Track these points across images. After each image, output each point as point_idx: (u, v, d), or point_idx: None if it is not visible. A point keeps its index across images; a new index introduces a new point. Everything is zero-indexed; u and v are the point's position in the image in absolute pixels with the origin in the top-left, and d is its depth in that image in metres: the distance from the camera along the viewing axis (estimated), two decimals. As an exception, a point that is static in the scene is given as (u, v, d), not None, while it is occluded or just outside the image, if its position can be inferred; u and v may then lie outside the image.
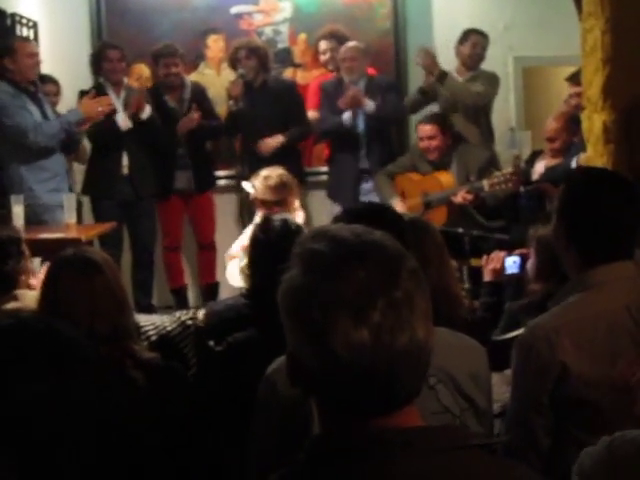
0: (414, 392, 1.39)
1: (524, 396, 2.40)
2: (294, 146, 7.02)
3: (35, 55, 6.19)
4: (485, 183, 5.78)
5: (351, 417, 1.38)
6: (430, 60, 6.56)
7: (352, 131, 6.71)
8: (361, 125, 6.72)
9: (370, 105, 6.60)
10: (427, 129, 6.19)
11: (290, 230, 3.38)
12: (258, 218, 4.72)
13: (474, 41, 6.73)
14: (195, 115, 6.79)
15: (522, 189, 5.85)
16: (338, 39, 7.09)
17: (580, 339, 2.34)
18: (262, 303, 3.16)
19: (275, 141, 6.76)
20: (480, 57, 6.75)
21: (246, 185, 5.34)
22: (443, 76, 6.48)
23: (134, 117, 6.66)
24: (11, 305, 3.40)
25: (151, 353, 2.74)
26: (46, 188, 6.06)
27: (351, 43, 6.85)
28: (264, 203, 5.09)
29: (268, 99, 6.81)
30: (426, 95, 6.76)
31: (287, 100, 6.88)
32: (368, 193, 6.70)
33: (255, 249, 3.36)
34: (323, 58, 7.22)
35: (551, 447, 2.37)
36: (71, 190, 6.42)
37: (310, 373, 1.38)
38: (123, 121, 6.63)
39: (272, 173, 5.17)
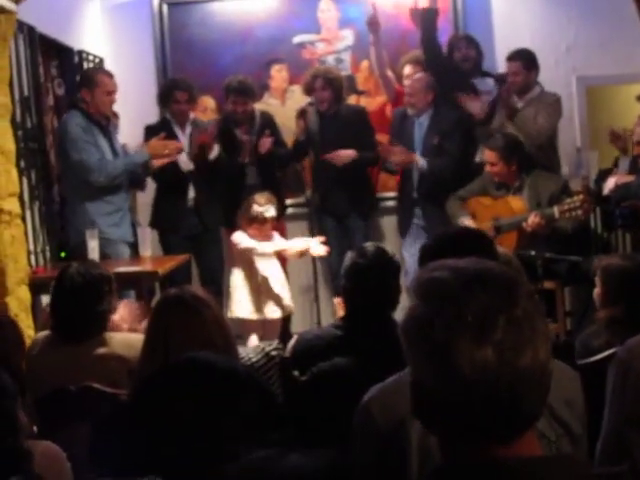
0: (536, 416, 1.41)
1: (621, 414, 2.39)
2: (364, 173, 7.05)
3: (112, 93, 6.16)
4: (555, 209, 5.70)
5: (473, 446, 1.38)
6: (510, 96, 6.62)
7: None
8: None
9: (422, 163, 6.55)
10: (488, 155, 6.13)
11: (386, 253, 3.44)
12: None
13: (506, 68, 6.63)
14: (266, 141, 6.77)
15: (617, 212, 5.79)
16: (423, 65, 6.88)
17: None
18: (356, 328, 3.20)
19: (348, 153, 6.75)
20: (518, 84, 6.54)
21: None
22: (514, 113, 6.46)
23: (202, 157, 6.66)
24: (101, 351, 3.51)
25: None
26: (108, 222, 6.02)
27: (417, 75, 6.75)
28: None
29: (340, 126, 6.84)
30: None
31: (358, 126, 6.89)
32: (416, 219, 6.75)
33: (353, 274, 3.38)
34: (406, 82, 6.97)
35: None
36: (134, 224, 6.45)
37: (433, 400, 1.39)
38: (185, 163, 6.65)
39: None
